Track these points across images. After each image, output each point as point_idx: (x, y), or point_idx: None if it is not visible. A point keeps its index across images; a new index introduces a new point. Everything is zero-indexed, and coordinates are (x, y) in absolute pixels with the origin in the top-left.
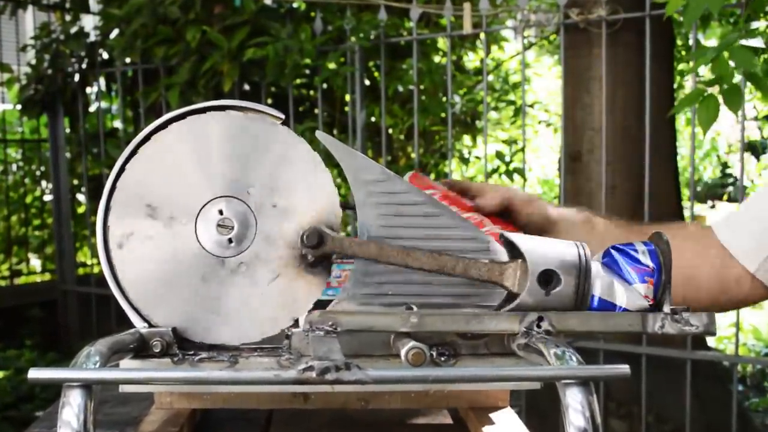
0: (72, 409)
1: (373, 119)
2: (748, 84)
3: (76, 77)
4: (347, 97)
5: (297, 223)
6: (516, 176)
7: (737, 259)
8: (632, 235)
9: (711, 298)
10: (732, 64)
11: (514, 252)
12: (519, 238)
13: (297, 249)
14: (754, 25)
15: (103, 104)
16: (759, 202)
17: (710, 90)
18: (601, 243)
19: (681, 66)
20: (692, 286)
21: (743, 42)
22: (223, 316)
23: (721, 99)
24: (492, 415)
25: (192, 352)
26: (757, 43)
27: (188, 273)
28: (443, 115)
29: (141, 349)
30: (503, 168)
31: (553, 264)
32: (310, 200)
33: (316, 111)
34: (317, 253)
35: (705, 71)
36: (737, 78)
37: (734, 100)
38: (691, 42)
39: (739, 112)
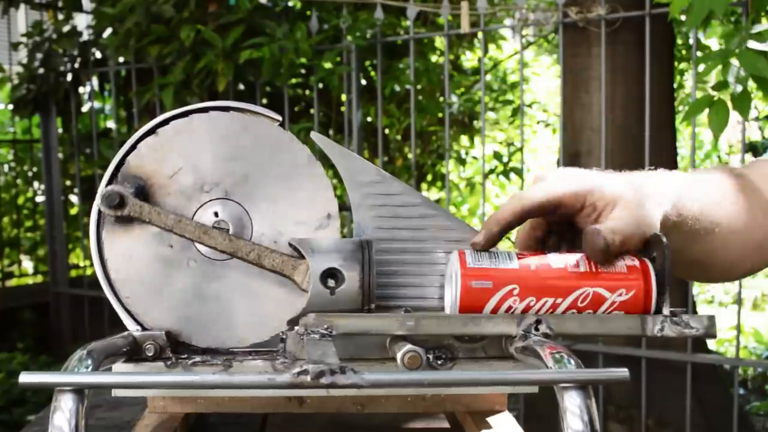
0: (63, 413)
1: (369, 119)
2: (749, 84)
3: (69, 77)
4: (343, 97)
5: (293, 226)
6: (513, 176)
7: None
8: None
9: None
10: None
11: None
12: (301, 242)
13: (293, 253)
14: (758, 28)
15: (96, 104)
16: None
17: (717, 94)
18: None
19: (681, 65)
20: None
21: (750, 44)
22: (217, 319)
23: (729, 103)
24: (490, 419)
25: (185, 356)
26: (764, 46)
27: (183, 275)
28: (440, 115)
29: (134, 353)
30: (501, 168)
31: (334, 261)
32: (306, 203)
33: (312, 111)
34: (117, 213)
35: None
36: (746, 85)
37: (743, 103)
38: (691, 41)
39: None
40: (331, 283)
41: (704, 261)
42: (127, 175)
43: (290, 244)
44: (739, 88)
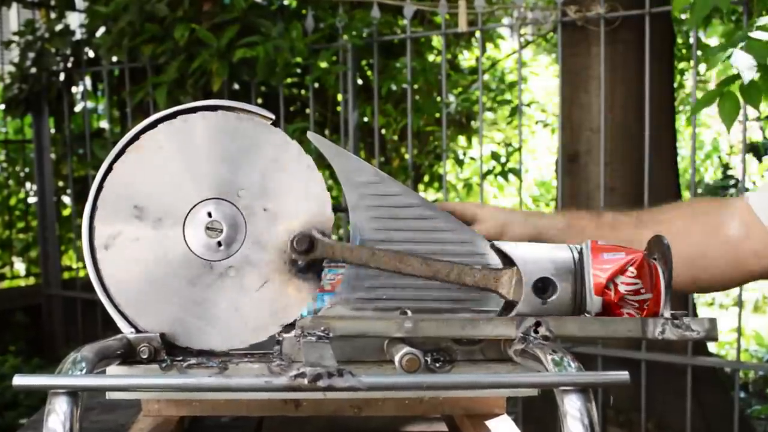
0: (58, 416)
1: (365, 119)
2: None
3: (62, 76)
4: (339, 97)
5: (288, 227)
6: (512, 177)
7: (766, 227)
8: (621, 232)
9: (723, 276)
10: (750, 60)
11: (508, 261)
12: (510, 246)
13: (287, 254)
14: (762, 20)
15: (89, 104)
16: None
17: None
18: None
19: (681, 65)
20: (700, 266)
21: (755, 35)
22: (212, 321)
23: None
24: (488, 423)
25: (180, 358)
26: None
27: (176, 277)
28: (438, 115)
29: (128, 355)
30: (498, 169)
31: (547, 271)
32: (301, 204)
33: (308, 111)
34: (307, 258)
35: (705, 70)
36: (754, 74)
37: (754, 95)
38: (692, 40)
39: (741, 112)
40: (543, 292)
41: None
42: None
43: (495, 248)
44: (749, 76)
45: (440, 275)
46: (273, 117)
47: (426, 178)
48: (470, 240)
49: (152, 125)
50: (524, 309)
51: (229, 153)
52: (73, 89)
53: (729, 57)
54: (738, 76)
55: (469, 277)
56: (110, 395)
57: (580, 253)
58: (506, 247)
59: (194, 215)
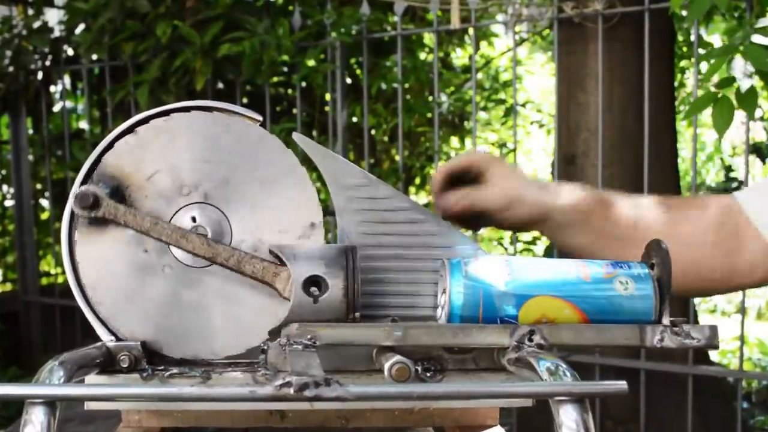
0: (34, 427)
1: (354, 120)
2: (754, 83)
3: (40, 75)
4: (327, 96)
5: (274, 239)
6: None
7: (762, 234)
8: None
9: (715, 286)
10: (749, 68)
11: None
12: (283, 248)
13: (275, 260)
14: (763, 22)
15: (68, 104)
16: None
17: (722, 92)
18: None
19: (682, 63)
20: (693, 275)
21: (755, 39)
22: (194, 329)
23: (734, 100)
24: None
25: (162, 367)
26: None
27: (159, 283)
28: (429, 115)
29: (108, 364)
30: None
31: (318, 269)
32: (291, 216)
33: (295, 111)
34: (91, 214)
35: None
36: (752, 81)
37: (749, 101)
38: (693, 38)
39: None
40: (314, 291)
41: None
42: (102, 175)
43: (270, 251)
44: (747, 84)
45: (219, 258)
46: (261, 118)
47: (417, 181)
48: (462, 243)
49: (145, 120)
50: (296, 308)
51: (220, 157)
52: (52, 88)
53: (731, 62)
54: (734, 79)
55: (248, 267)
56: (89, 405)
57: (352, 250)
58: (276, 248)
59: (179, 218)
